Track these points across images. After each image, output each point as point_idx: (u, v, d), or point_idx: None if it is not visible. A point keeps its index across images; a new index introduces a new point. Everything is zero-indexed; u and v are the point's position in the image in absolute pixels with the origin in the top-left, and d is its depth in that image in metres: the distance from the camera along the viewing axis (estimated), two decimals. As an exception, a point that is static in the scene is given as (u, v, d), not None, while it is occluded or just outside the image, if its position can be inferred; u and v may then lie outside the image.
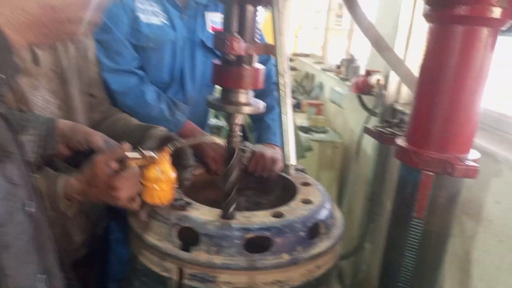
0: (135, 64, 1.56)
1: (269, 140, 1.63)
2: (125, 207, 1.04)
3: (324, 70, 4.14)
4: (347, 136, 3.28)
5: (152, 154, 1.06)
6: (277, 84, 0.91)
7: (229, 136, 1.12)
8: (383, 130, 1.34)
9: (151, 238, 1.14)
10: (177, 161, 1.15)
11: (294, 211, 1.22)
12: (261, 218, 1.16)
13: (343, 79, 3.38)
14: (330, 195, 3.27)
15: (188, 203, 1.21)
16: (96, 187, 1.00)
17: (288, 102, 0.91)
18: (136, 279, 1.21)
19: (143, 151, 1.05)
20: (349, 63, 3.38)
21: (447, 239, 1.21)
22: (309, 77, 4.74)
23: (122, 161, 1.02)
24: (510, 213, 1.47)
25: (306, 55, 5.53)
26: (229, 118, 1.10)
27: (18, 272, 0.65)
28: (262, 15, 1.05)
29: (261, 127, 1.68)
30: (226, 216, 1.14)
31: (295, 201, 1.29)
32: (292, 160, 0.92)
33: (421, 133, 1.11)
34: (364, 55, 3.20)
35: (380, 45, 1.19)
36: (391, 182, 2.36)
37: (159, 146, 1.18)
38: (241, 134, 1.13)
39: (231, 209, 1.15)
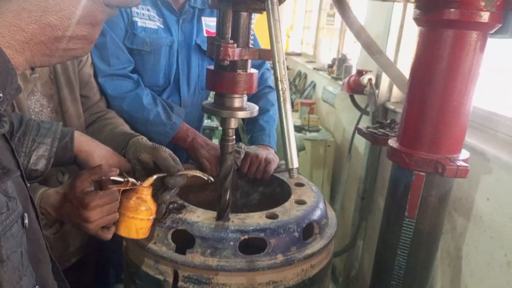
0: (130, 68, 1.56)
1: (263, 141, 1.64)
2: (96, 234, 0.99)
3: (316, 69, 4.16)
4: (339, 135, 3.31)
5: (135, 181, 1.03)
6: (276, 89, 0.92)
7: (223, 140, 1.13)
8: (375, 131, 1.36)
9: (146, 241, 1.14)
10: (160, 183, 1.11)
11: (288, 212, 1.23)
12: (256, 219, 1.17)
13: (335, 79, 3.40)
14: (323, 193, 3.31)
15: (183, 206, 1.22)
16: (70, 203, 0.96)
17: (288, 108, 0.92)
18: (132, 283, 1.22)
19: (128, 177, 1.02)
20: (341, 62, 3.40)
21: (438, 237, 1.23)
22: (301, 76, 4.76)
23: (103, 184, 1.00)
24: (499, 210, 1.50)
25: (298, 54, 5.56)
26: (224, 122, 1.11)
27: (15, 285, 0.64)
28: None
29: (254, 128, 1.69)
30: (221, 218, 1.15)
31: (289, 202, 1.31)
32: (295, 163, 0.93)
33: (412, 134, 1.13)
34: (357, 54, 3.22)
35: (372, 49, 1.21)
36: (383, 180, 2.39)
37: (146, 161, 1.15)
38: (234, 137, 1.14)
39: (226, 211, 1.16)
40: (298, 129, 3.37)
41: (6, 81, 0.56)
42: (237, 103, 1.08)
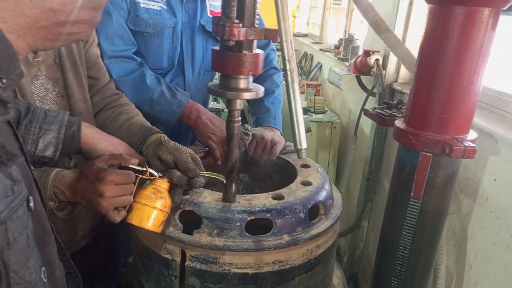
0: (133, 50, 1.54)
1: (269, 123, 1.64)
2: (106, 214, 0.99)
3: (322, 50, 4.11)
4: (345, 117, 3.29)
5: (154, 173, 1.04)
6: (284, 69, 0.90)
7: (229, 121, 1.12)
8: (381, 112, 1.34)
9: (154, 222, 1.16)
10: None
11: (294, 193, 1.24)
12: (262, 200, 1.18)
13: (342, 59, 3.36)
14: (329, 174, 3.31)
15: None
16: (86, 178, 0.97)
17: (296, 88, 0.91)
18: (140, 262, 1.24)
19: (147, 168, 1.03)
20: (347, 43, 3.35)
21: (444, 218, 1.24)
22: (307, 57, 4.70)
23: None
24: (506, 191, 1.49)
25: (304, 35, 5.48)
26: (229, 103, 1.11)
27: (22, 267, 0.66)
28: (261, -1, 1.04)
29: (260, 110, 1.68)
30: (227, 199, 1.16)
31: (295, 183, 1.31)
32: (303, 144, 0.92)
33: (419, 115, 1.12)
34: (364, 35, 3.16)
35: (379, 27, 1.18)
36: (389, 161, 2.38)
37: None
38: (240, 118, 1.13)
39: (232, 192, 1.16)
40: (304, 111, 3.35)
41: (9, 66, 0.56)
42: (242, 84, 1.07)
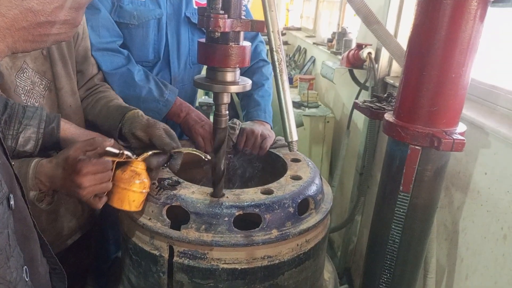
0: (119, 42, 1.52)
1: (258, 117, 1.62)
2: (87, 202, 0.99)
3: (316, 44, 4.09)
4: (338, 111, 3.28)
5: (130, 154, 1.03)
6: (272, 60, 0.89)
7: (216, 115, 1.11)
8: (371, 105, 1.33)
9: (142, 218, 1.15)
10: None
11: (283, 187, 1.23)
12: (251, 195, 1.17)
13: (335, 53, 3.34)
14: (322, 169, 3.30)
15: (178, 182, 1.21)
16: (63, 170, 0.96)
17: (284, 79, 0.90)
18: (128, 258, 1.23)
19: (123, 150, 1.02)
20: (341, 36, 3.32)
21: (433, 211, 1.23)
22: (301, 51, 4.68)
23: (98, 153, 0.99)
24: (496, 184, 1.49)
25: (298, 29, 5.45)
26: (216, 97, 1.09)
27: (2, 266, 0.64)
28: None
29: (250, 104, 1.66)
30: (215, 194, 1.15)
31: (285, 178, 1.30)
32: (294, 136, 0.91)
33: (409, 108, 1.11)
34: (357, 28, 3.15)
35: (368, 19, 1.17)
36: (382, 156, 2.37)
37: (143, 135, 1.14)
38: (227, 112, 1.12)
39: (221, 187, 1.15)
40: (297, 105, 3.34)
41: None
42: (229, 77, 1.05)
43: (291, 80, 4.06)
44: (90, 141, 0.99)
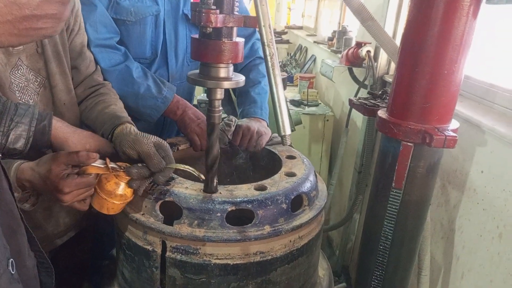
0: (116, 38, 1.52)
1: (255, 114, 1.62)
2: (71, 207, 1.01)
3: (316, 42, 4.08)
4: (338, 109, 3.28)
5: (117, 167, 1.03)
6: (264, 55, 0.89)
7: (209, 111, 1.11)
8: (366, 102, 1.33)
9: (135, 213, 1.15)
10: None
11: (277, 184, 1.23)
12: (244, 191, 1.17)
13: (335, 52, 3.34)
14: (321, 167, 3.30)
15: (172, 178, 1.21)
16: (44, 183, 0.97)
17: (277, 73, 0.90)
18: (122, 253, 1.24)
19: (109, 163, 1.02)
20: (341, 35, 3.32)
21: (426, 208, 1.23)
22: (302, 50, 4.68)
23: (81, 167, 0.99)
24: (492, 182, 1.49)
25: (299, 28, 5.44)
26: (209, 93, 1.09)
27: None
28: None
29: (246, 101, 1.67)
30: (208, 190, 1.15)
31: (279, 174, 1.30)
32: (287, 130, 0.91)
33: (401, 104, 1.11)
34: (357, 27, 3.14)
35: (362, 15, 1.17)
36: (380, 154, 2.38)
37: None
38: (221, 108, 1.12)
39: (214, 183, 1.15)
40: (296, 103, 3.34)
41: None
42: (222, 73, 1.05)
43: (291, 79, 4.06)
44: (74, 156, 0.97)
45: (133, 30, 1.55)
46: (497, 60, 1.78)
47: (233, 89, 1.78)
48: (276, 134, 1.58)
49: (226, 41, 1.01)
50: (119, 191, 1.04)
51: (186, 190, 1.16)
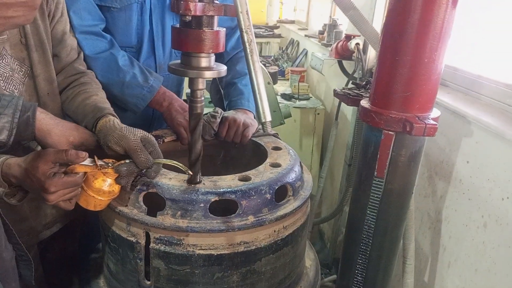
0: (101, 26, 1.50)
1: (242, 105, 1.62)
2: (58, 206, 1.01)
3: (307, 36, 4.08)
4: (329, 103, 3.28)
5: (104, 164, 1.02)
6: (242, 41, 0.88)
7: (191, 101, 1.11)
8: (349, 92, 1.33)
9: (119, 205, 1.15)
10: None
11: (261, 174, 1.23)
12: (228, 182, 1.17)
13: (326, 45, 3.34)
14: (312, 161, 3.30)
15: (155, 176, 1.21)
16: (31, 181, 0.96)
17: (255, 59, 0.89)
18: (107, 246, 1.23)
19: (97, 160, 1.01)
20: (331, 28, 3.32)
21: (408, 197, 1.24)
22: (294, 44, 4.67)
23: (69, 165, 0.98)
24: (478, 172, 1.50)
25: (291, 22, 5.43)
26: (191, 83, 1.09)
27: None
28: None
29: (233, 93, 1.66)
30: (192, 181, 1.15)
31: (264, 165, 1.30)
32: (268, 117, 0.91)
33: (383, 93, 1.11)
34: (347, 20, 3.14)
35: (344, 4, 1.16)
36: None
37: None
38: (203, 98, 1.11)
39: (197, 173, 1.15)
40: (287, 97, 3.34)
41: None
42: (204, 62, 1.05)
43: (282, 73, 4.06)
44: (62, 155, 0.96)
45: (118, 17, 1.52)
46: (484, 52, 1.79)
47: (220, 81, 1.77)
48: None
49: (206, 30, 1.01)
50: (107, 188, 1.04)
51: (169, 181, 1.16)
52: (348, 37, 2.46)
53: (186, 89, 2.65)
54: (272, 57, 4.69)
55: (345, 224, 2.59)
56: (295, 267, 1.32)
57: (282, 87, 3.65)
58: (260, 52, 5.30)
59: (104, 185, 1.03)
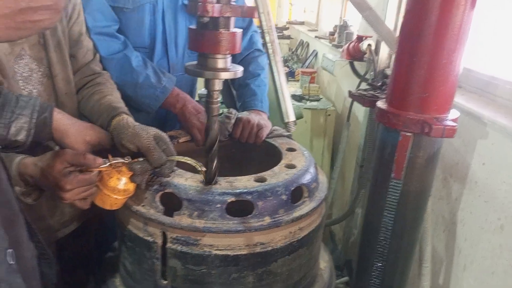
0: (115, 27, 1.52)
1: (255, 106, 1.62)
2: (73, 205, 1.02)
3: (318, 37, 4.08)
4: (340, 104, 3.27)
5: (120, 163, 1.03)
6: (264, 42, 0.89)
7: (207, 102, 1.11)
8: (365, 93, 1.33)
9: (135, 205, 1.16)
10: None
11: (277, 175, 1.23)
12: (244, 182, 1.18)
13: (336, 46, 3.33)
14: (323, 162, 3.29)
15: (172, 170, 1.22)
16: (47, 179, 0.97)
17: (278, 60, 0.90)
18: (124, 245, 1.25)
19: (111, 159, 1.02)
20: (342, 29, 3.31)
21: (426, 199, 1.23)
22: (303, 45, 4.67)
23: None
24: (494, 174, 1.48)
25: (301, 23, 5.43)
26: (207, 84, 1.09)
27: None
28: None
29: (246, 94, 1.66)
30: (208, 181, 1.16)
31: (279, 166, 1.30)
32: (291, 116, 0.91)
33: (400, 94, 1.10)
34: (358, 21, 3.13)
35: (361, 5, 1.16)
36: (382, 148, 2.37)
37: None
38: (219, 99, 1.12)
39: (213, 174, 1.16)
40: (298, 98, 3.33)
41: None
42: (220, 63, 1.05)
43: (293, 74, 4.06)
44: (80, 158, 0.98)
45: (131, 18, 1.54)
46: (499, 53, 1.77)
47: (232, 82, 1.78)
48: (277, 127, 1.59)
49: (223, 31, 1.01)
50: (122, 187, 1.05)
51: (186, 181, 1.16)
52: (360, 38, 2.45)
53: (198, 90, 2.66)
54: (282, 59, 4.68)
55: (359, 226, 2.59)
56: (310, 269, 1.32)
57: (292, 88, 3.65)
58: (270, 53, 5.29)
59: (119, 184, 1.04)
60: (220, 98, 1.13)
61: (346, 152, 2.82)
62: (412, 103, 1.08)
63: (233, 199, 1.12)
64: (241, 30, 1.06)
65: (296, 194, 1.22)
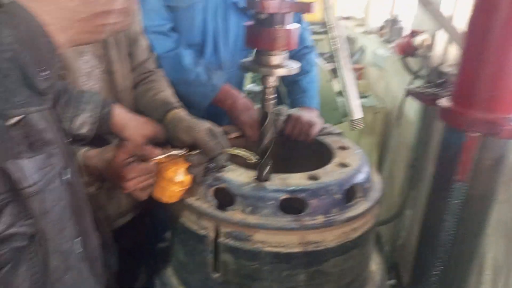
0: (168, 25, 1.57)
1: (306, 103, 1.61)
2: (133, 195, 1.06)
3: (366, 32, 3.96)
4: (389, 101, 3.16)
5: (177, 154, 1.06)
6: (330, 38, 0.88)
7: (263, 99, 1.11)
8: (425, 90, 1.27)
9: (189, 198, 1.18)
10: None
11: (330, 174, 1.21)
12: (297, 180, 1.17)
13: (386, 42, 3.22)
14: (371, 161, 3.20)
15: (224, 165, 1.23)
16: (109, 170, 1.02)
17: (341, 56, 0.88)
18: (176, 237, 1.28)
19: (169, 151, 1.06)
20: (392, 24, 3.20)
21: (491, 203, 1.16)
22: (349, 41, 4.55)
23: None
24: None
25: (347, 18, 5.29)
26: (263, 80, 1.09)
27: (57, 236, 0.69)
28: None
29: (296, 91, 1.65)
30: (261, 177, 1.16)
31: (332, 165, 1.28)
32: (357, 114, 0.89)
33: (466, 93, 1.04)
34: (409, 15, 3.01)
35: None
36: (435, 147, 2.26)
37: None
38: (275, 96, 1.12)
39: (266, 171, 1.16)
40: (345, 95, 3.26)
41: (52, 60, 0.56)
42: (276, 60, 1.05)
43: (339, 71, 3.97)
44: (139, 149, 1.03)
45: (183, 16, 1.58)
46: None
47: (283, 79, 1.77)
48: (328, 125, 1.56)
49: (279, 28, 1.01)
50: (178, 178, 1.07)
51: (239, 177, 1.17)
52: (413, 33, 2.35)
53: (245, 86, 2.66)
54: (328, 55, 4.60)
55: (412, 231, 2.50)
56: (362, 270, 1.29)
57: (338, 84, 3.58)
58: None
59: (176, 175, 1.07)
60: (275, 95, 1.12)
61: (395, 151, 2.72)
62: (479, 101, 1.02)
63: (286, 196, 1.11)
64: (298, 26, 1.05)
65: (349, 193, 1.19)
